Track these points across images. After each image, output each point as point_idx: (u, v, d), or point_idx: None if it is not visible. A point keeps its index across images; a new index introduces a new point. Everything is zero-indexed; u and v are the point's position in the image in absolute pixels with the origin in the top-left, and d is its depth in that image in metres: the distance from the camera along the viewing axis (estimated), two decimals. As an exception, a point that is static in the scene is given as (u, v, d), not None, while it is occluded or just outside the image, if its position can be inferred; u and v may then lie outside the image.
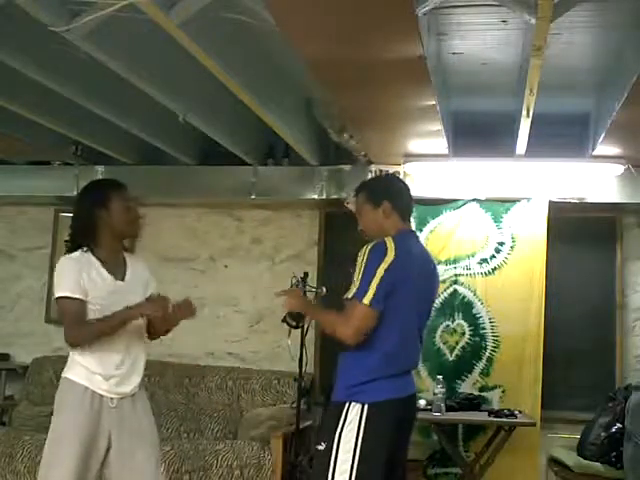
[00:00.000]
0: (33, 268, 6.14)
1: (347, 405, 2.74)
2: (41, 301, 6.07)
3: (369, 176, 5.25)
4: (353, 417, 2.71)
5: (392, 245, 2.76)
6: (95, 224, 3.05)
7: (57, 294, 2.98)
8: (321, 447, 2.75)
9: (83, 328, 2.97)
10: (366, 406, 2.72)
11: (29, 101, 4.16)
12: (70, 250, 3.08)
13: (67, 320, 2.97)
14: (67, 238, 3.15)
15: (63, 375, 3.05)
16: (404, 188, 3.07)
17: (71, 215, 3.17)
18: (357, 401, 2.73)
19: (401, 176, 5.19)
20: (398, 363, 2.82)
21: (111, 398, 3.04)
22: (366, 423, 2.70)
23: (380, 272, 2.70)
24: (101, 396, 3.01)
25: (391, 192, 2.99)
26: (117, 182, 3.18)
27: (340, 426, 2.72)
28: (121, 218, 3.09)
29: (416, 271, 2.87)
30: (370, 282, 2.70)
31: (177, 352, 5.59)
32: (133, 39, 3.35)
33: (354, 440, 2.69)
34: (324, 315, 2.98)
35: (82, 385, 2.98)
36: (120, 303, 2.98)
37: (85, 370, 3.00)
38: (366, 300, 2.69)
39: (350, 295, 2.74)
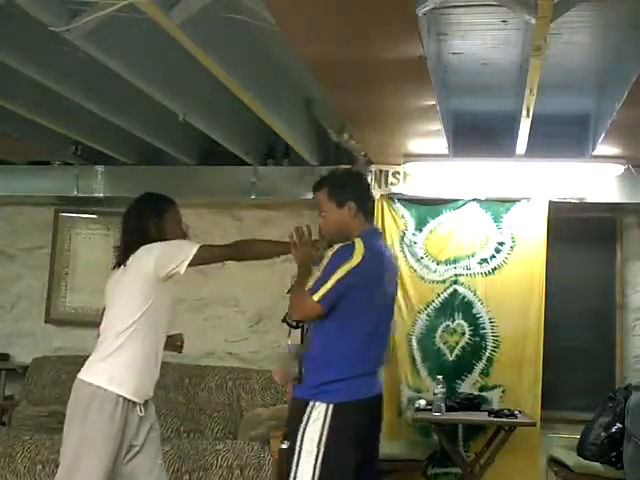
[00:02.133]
0: (33, 268, 6.14)
1: (311, 404, 2.73)
2: (41, 301, 6.07)
3: (369, 176, 5.27)
4: (317, 417, 2.70)
5: (361, 249, 2.76)
6: (150, 230, 3.12)
7: (192, 249, 3.04)
8: (285, 446, 2.77)
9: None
10: (331, 406, 2.70)
11: (29, 101, 4.15)
12: (124, 252, 3.12)
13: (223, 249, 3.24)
14: (117, 244, 3.23)
15: (89, 380, 3.01)
16: (367, 186, 3.07)
17: (123, 220, 3.24)
18: (322, 400, 2.72)
19: (401, 176, 5.24)
20: (363, 363, 2.80)
21: (140, 407, 3.06)
22: (330, 423, 2.69)
23: (339, 274, 2.74)
24: (134, 405, 3.03)
25: (356, 192, 2.95)
26: (171, 198, 3.29)
27: (304, 425, 2.70)
28: (172, 229, 3.18)
29: (382, 273, 2.87)
30: (325, 282, 2.75)
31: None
32: (133, 39, 3.35)
33: (317, 440, 2.68)
34: (300, 288, 2.94)
35: (115, 394, 2.97)
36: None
37: (121, 378, 2.99)
38: (316, 297, 2.76)
39: (309, 285, 2.84)
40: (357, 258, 2.74)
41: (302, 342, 4.16)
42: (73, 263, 6.08)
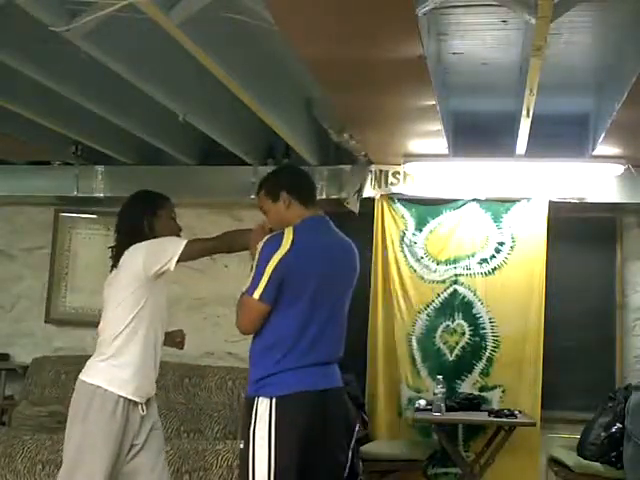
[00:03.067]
0: (33, 268, 6.14)
1: (256, 400, 2.70)
2: (41, 301, 6.07)
3: (369, 176, 5.27)
4: (262, 412, 2.67)
5: (290, 236, 2.72)
6: (143, 229, 3.12)
7: (180, 244, 3.02)
8: (241, 445, 2.72)
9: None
10: (274, 400, 2.67)
11: (29, 101, 4.15)
12: (118, 251, 3.12)
13: (203, 244, 3.17)
14: (113, 244, 3.20)
15: (90, 381, 3.02)
16: (300, 174, 3.04)
17: (118, 218, 3.23)
18: (264, 395, 2.69)
19: (401, 176, 5.23)
20: (303, 355, 2.73)
21: (142, 406, 3.06)
22: (276, 417, 2.65)
23: (271, 265, 2.68)
24: (135, 404, 3.04)
25: (286, 182, 2.93)
26: (165, 195, 3.28)
27: (252, 422, 2.67)
28: (165, 227, 3.17)
29: (320, 258, 2.79)
30: (261, 276, 2.69)
31: (177, 352, 5.55)
32: (133, 39, 3.35)
33: (267, 435, 2.64)
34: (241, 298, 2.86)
35: (115, 394, 2.98)
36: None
37: (121, 379, 3.00)
38: (256, 294, 2.70)
39: (244, 288, 2.75)
40: (285, 246, 2.70)
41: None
42: (73, 263, 6.08)
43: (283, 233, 2.74)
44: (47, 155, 5.67)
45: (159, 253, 3.03)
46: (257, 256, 2.75)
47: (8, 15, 3.06)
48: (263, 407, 2.67)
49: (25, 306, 6.15)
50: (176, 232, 3.23)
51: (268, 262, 2.70)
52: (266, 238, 2.78)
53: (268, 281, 2.69)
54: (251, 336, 2.87)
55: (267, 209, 2.92)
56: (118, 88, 3.91)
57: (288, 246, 2.70)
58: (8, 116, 4.34)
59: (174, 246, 3.03)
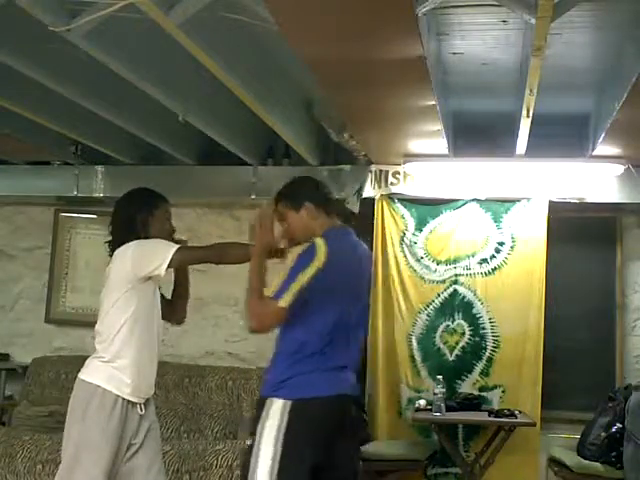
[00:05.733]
0: (33, 268, 6.15)
1: (270, 401, 2.71)
2: (41, 301, 6.07)
3: (369, 176, 5.27)
4: (274, 413, 2.68)
5: (323, 248, 2.73)
6: (136, 226, 3.10)
7: (170, 250, 2.99)
8: (249, 442, 2.73)
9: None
10: (289, 403, 2.68)
11: (29, 101, 4.16)
12: (112, 246, 3.11)
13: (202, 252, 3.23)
14: (108, 239, 3.18)
15: (89, 380, 3.02)
16: (319, 184, 3.06)
17: (112, 212, 3.21)
18: (279, 397, 2.70)
19: (401, 176, 5.24)
20: (324, 361, 2.76)
21: (140, 406, 3.06)
22: (288, 420, 2.66)
23: (303, 278, 2.69)
24: (133, 405, 3.03)
25: (308, 192, 2.95)
26: (162, 195, 3.26)
27: (262, 422, 2.69)
28: (159, 227, 3.15)
29: (347, 270, 2.84)
30: (290, 285, 2.69)
31: (177, 352, 5.59)
32: (133, 39, 3.35)
33: (274, 437, 2.65)
34: (256, 293, 2.87)
35: (113, 394, 2.98)
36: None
37: (120, 380, 2.99)
38: (283, 302, 2.69)
39: (270, 293, 2.74)
40: (320, 259, 2.71)
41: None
42: (73, 263, 6.08)
43: (315, 245, 2.75)
44: (47, 155, 5.67)
45: (148, 256, 3.01)
46: (289, 266, 2.74)
47: (8, 15, 3.06)
48: (275, 409, 2.68)
49: (25, 306, 6.15)
50: (169, 233, 3.20)
51: (299, 273, 2.70)
52: (301, 249, 2.77)
53: (297, 292, 2.69)
54: (249, 337, 2.89)
55: (289, 220, 2.93)
56: (118, 88, 3.91)
57: (323, 260, 2.71)
58: (8, 116, 4.34)
59: (164, 251, 3.00)
